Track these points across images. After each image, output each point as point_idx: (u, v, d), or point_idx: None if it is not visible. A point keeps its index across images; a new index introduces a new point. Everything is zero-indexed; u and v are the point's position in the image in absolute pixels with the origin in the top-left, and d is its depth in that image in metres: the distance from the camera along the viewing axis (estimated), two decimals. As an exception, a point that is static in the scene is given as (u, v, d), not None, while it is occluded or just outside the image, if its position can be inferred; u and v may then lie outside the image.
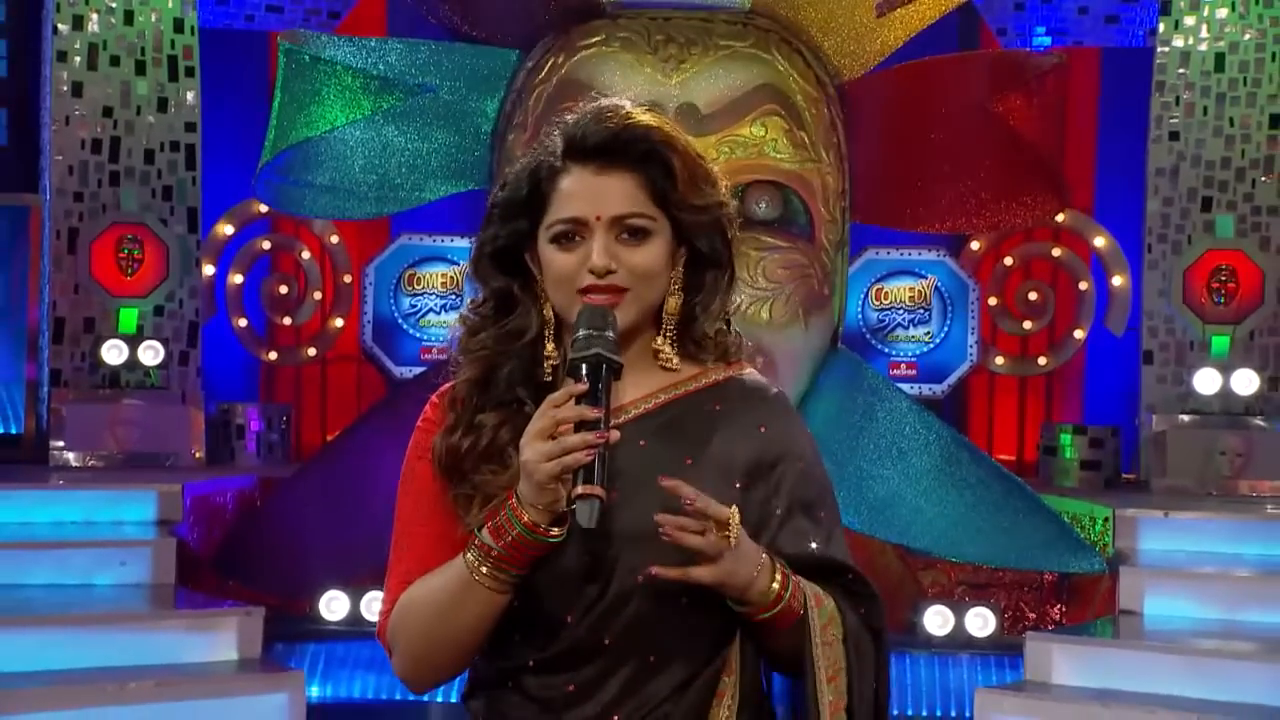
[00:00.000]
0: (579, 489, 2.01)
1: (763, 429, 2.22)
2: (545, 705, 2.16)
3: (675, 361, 2.23)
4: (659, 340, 2.22)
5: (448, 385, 2.26)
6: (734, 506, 2.05)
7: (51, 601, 6.34)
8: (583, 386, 2.04)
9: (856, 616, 2.17)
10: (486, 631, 2.15)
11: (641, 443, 2.17)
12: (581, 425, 2.01)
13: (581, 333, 2.09)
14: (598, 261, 2.13)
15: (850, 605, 2.18)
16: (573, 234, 2.16)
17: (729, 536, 2.03)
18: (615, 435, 2.04)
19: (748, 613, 2.11)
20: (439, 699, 6.95)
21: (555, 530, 2.06)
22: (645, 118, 2.19)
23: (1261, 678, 5.81)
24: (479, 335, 2.24)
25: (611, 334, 2.09)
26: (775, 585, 2.09)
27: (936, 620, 7.46)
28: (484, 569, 2.09)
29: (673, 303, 2.21)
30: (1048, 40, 9.77)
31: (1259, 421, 8.55)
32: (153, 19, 8.79)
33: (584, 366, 2.06)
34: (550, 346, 2.20)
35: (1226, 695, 5.77)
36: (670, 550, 2.08)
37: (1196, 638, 6.32)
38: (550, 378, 2.18)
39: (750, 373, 2.29)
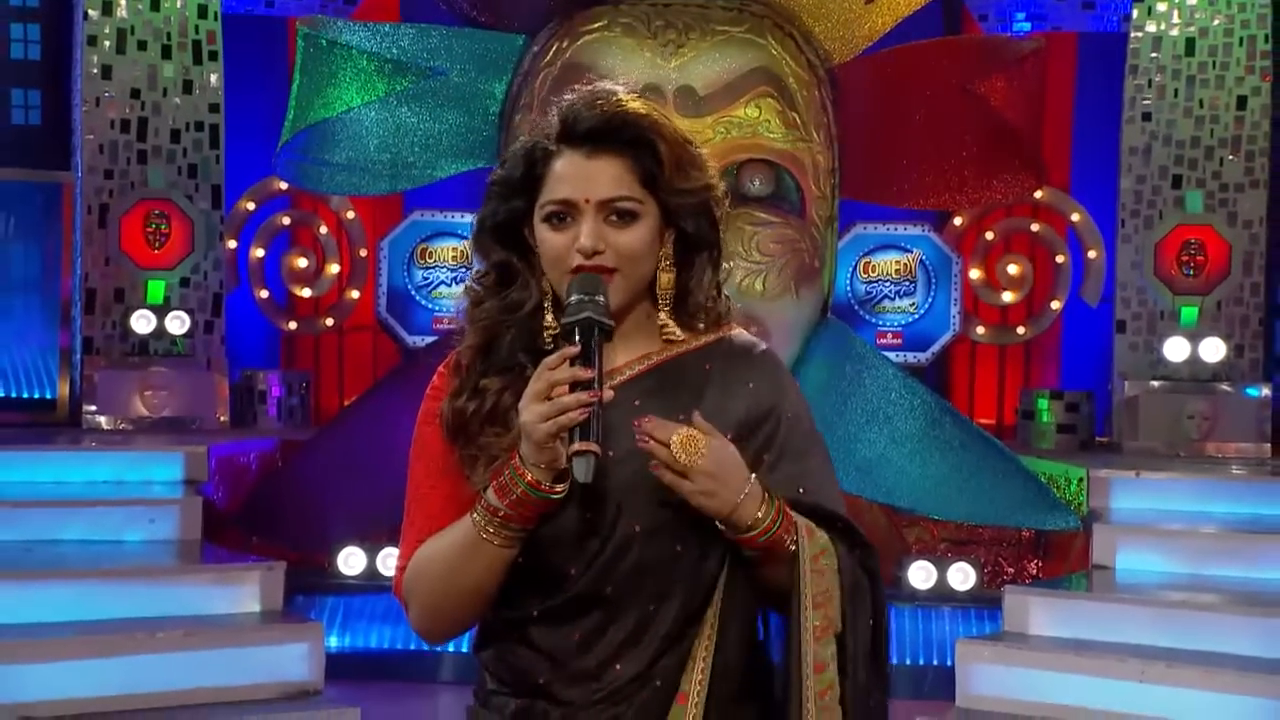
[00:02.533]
0: (575, 445, 2.01)
1: (752, 385, 2.22)
2: (550, 656, 2.16)
3: (679, 333, 2.22)
4: (662, 315, 2.22)
5: (451, 354, 2.26)
6: (685, 430, 2.04)
7: (85, 556, 6.36)
8: (576, 349, 2.04)
9: (852, 557, 2.16)
10: (495, 586, 2.15)
11: (636, 402, 2.16)
12: (576, 386, 2.02)
13: (574, 298, 2.10)
14: (585, 243, 2.13)
15: (847, 548, 2.16)
16: (563, 215, 2.16)
17: (676, 454, 2.03)
18: (609, 394, 2.05)
19: (739, 539, 2.09)
20: (450, 649, 6.97)
21: (558, 487, 2.06)
22: (635, 105, 2.18)
23: (1226, 628, 5.83)
24: (482, 305, 2.24)
25: (602, 298, 2.10)
26: (761, 513, 2.08)
27: (920, 575, 7.47)
28: (491, 527, 2.09)
29: (665, 279, 2.21)
30: (1027, 25, 9.75)
31: (1225, 387, 8.56)
32: (178, 5, 8.77)
33: (576, 330, 2.06)
34: (550, 318, 2.19)
35: (1193, 644, 5.79)
36: (664, 502, 2.09)
37: (1165, 591, 6.33)
38: (551, 346, 2.17)
39: (739, 333, 2.29)
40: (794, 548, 2.11)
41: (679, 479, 2.04)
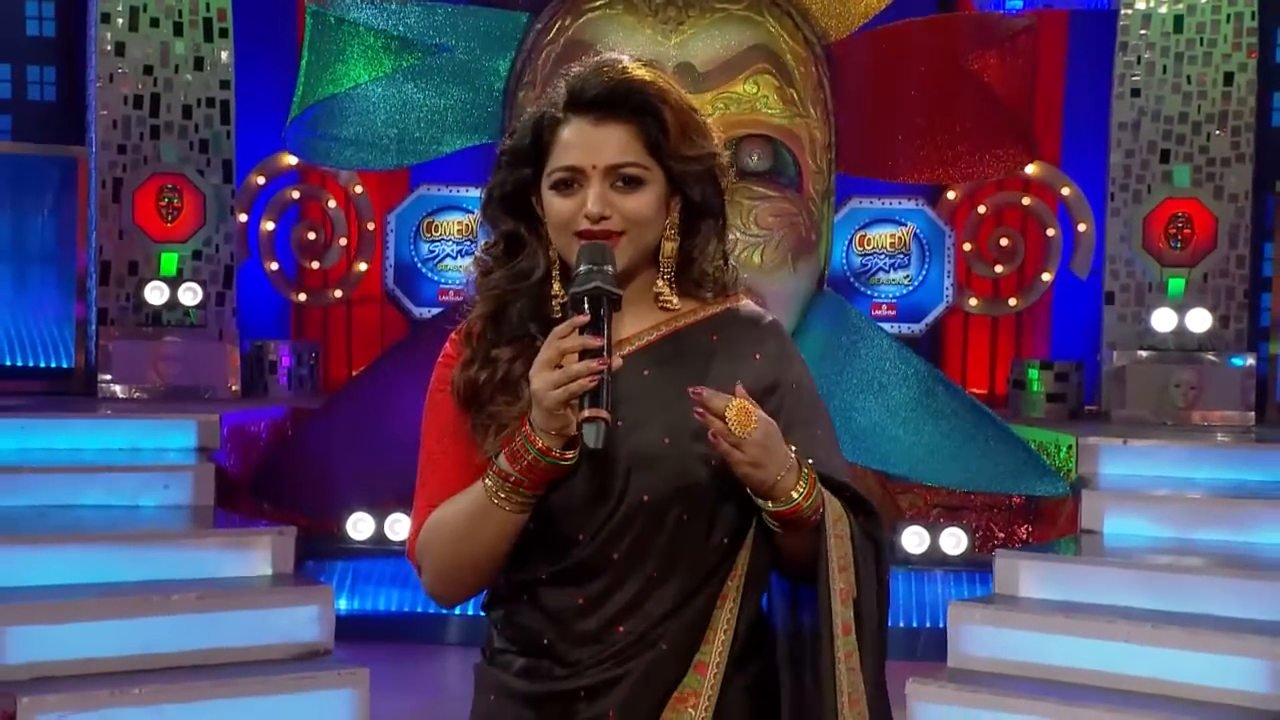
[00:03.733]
0: (586, 412, 1.99)
1: (758, 356, 2.20)
2: (556, 617, 2.15)
3: (675, 302, 2.21)
4: (659, 283, 2.20)
5: (463, 322, 2.25)
6: (738, 400, 2.01)
7: (101, 521, 6.37)
8: (585, 318, 2.02)
9: (858, 524, 2.15)
10: (507, 551, 2.14)
11: (645, 372, 2.15)
12: (585, 354, 2.00)
13: (582, 268, 2.07)
14: (592, 208, 2.11)
15: (853, 515, 2.16)
16: (571, 181, 2.14)
17: (731, 425, 2.00)
18: (618, 362, 2.03)
19: (775, 512, 2.07)
20: (457, 612, 7.00)
21: (568, 454, 2.05)
22: (641, 72, 2.16)
23: (1211, 591, 5.85)
24: (491, 275, 2.22)
25: (610, 268, 2.07)
26: (801, 488, 2.06)
27: (913, 540, 7.50)
28: (502, 493, 2.08)
29: (669, 247, 2.19)
30: (1019, 3, 9.72)
31: (1211, 356, 8.57)
32: (189, -17, 8.77)
33: (585, 299, 2.04)
34: (557, 286, 2.17)
35: (1179, 607, 5.81)
36: (672, 470, 2.09)
37: (1152, 554, 6.35)
38: (559, 314, 2.15)
39: (746, 304, 2.27)
40: (818, 516, 2.10)
41: (732, 450, 2.02)
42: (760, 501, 2.08)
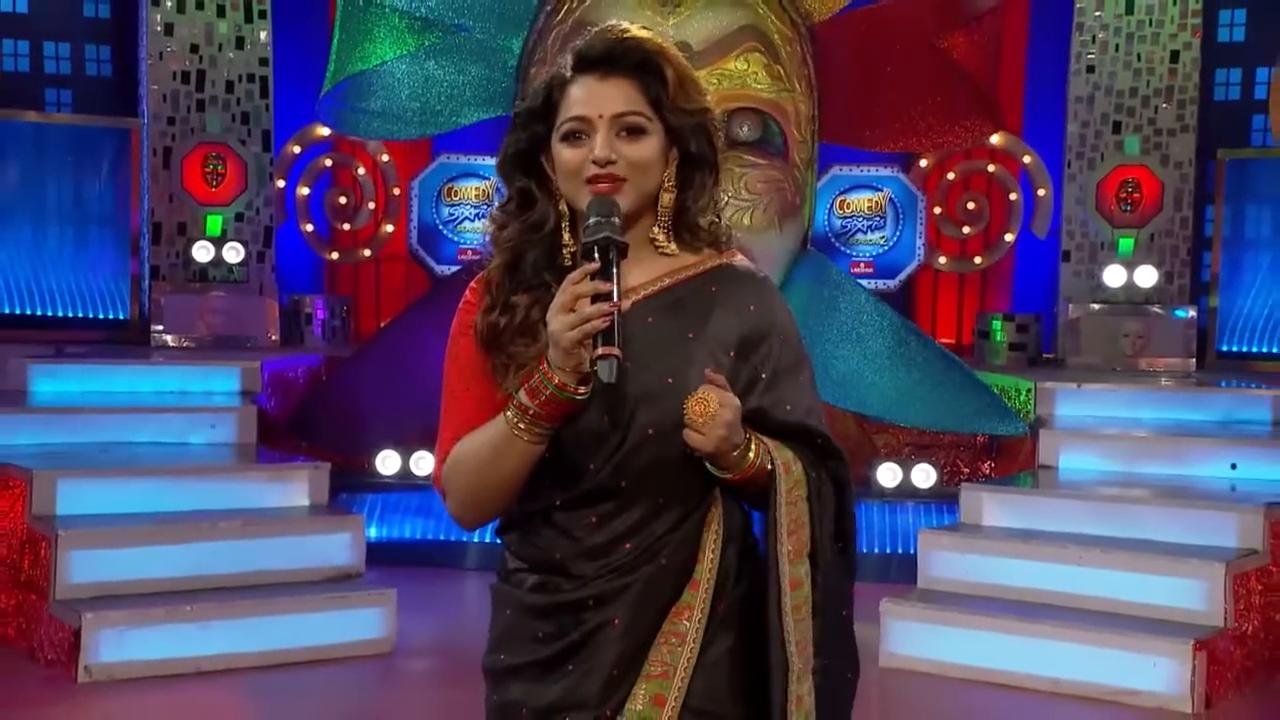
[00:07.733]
0: (599, 350, 2.01)
1: (752, 308, 2.21)
2: (568, 534, 2.16)
3: (671, 248, 2.20)
4: (655, 230, 2.20)
5: (482, 272, 2.25)
6: (702, 391, 2.07)
7: (155, 456, 6.41)
8: (596, 265, 2.03)
9: (823, 472, 2.18)
10: (524, 478, 2.15)
11: (650, 319, 2.15)
12: (597, 297, 2.01)
13: (592, 219, 2.08)
14: (600, 153, 2.11)
15: (818, 463, 2.18)
16: (579, 132, 2.14)
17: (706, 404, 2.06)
18: (626, 303, 2.05)
19: (724, 479, 2.13)
20: (476, 540, 7.03)
21: (581, 389, 2.06)
22: (641, 33, 2.18)
23: (1154, 519, 5.89)
24: (506, 229, 2.22)
25: (617, 220, 2.08)
26: (747, 461, 2.11)
27: (887, 475, 7.53)
28: (522, 424, 2.09)
29: (666, 197, 2.19)
30: (986, -12, 9.65)
31: (1156, 309, 8.58)
32: (231, -31, 8.73)
33: (595, 248, 2.05)
34: (567, 236, 2.18)
35: (1125, 533, 5.85)
36: (674, 407, 2.10)
37: (1102, 487, 6.39)
38: (570, 263, 2.15)
39: (740, 259, 2.27)
40: (769, 469, 2.13)
41: (694, 435, 2.07)
42: (712, 469, 2.12)
